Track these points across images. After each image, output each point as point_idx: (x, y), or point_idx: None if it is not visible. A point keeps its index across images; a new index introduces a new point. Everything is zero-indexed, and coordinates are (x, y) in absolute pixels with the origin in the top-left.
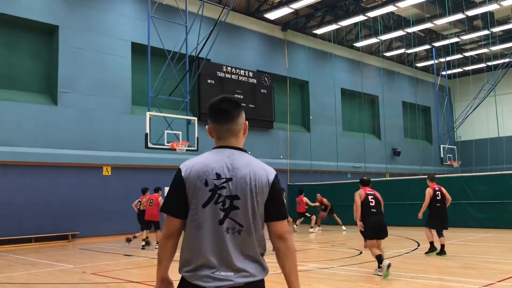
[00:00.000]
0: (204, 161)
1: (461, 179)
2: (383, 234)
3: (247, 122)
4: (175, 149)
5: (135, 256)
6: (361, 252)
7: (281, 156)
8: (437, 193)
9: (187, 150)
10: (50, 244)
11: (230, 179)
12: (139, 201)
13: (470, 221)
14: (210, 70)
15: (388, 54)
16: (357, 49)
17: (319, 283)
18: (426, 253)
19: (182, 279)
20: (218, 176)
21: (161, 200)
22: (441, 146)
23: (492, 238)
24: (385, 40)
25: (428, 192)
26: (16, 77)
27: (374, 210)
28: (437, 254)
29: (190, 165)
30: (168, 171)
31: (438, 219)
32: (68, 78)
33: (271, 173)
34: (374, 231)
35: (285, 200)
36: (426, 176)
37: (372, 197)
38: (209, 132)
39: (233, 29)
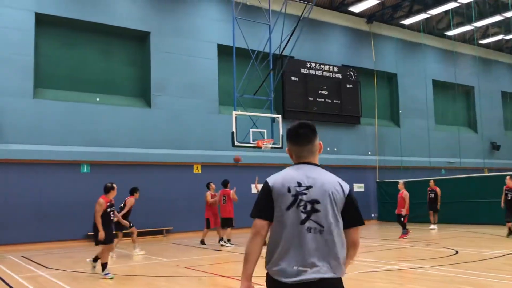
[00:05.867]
0: (287, 173)
1: None
2: None
3: (321, 142)
4: (260, 147)
5: (224, 252)
6: (457, 252)
7: (369, 153)
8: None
9: (272, 147)
10: (147, 238)
11: (310, 186)
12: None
13: None
14: (293, 67)
15: (484, 41)
16: (449, 38)
17: (412, 283)
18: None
19: (267, 274)
20: (299, 184)
21: (233, 193)
22: None
23: None
24: (480, 27)
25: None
26: (113, 83)
27: None
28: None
29: (275, 177)
30: (254, 169)
31: None
32: (160, 82)
33: (346, 185)
34: None
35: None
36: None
37: None
38: (290, 154)
39: (316, 24)
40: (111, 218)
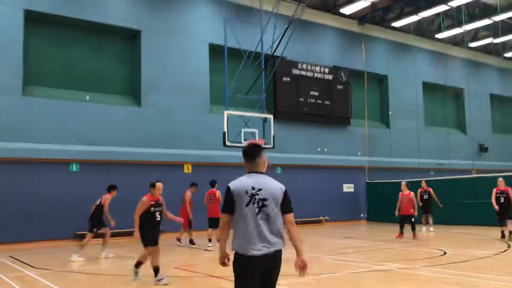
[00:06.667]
0: (244, 180)
1: None
2: None
3: (266, 158)
4: None
5: (214, 252)
6: (445, 253)
7: (359, 153)
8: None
9: (263, 147)
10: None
11: (261, 189)
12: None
13: None
14: (285, 67)
15: (473, 44)
16: (440, 40)
17: (400, 284)
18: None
19: (236, 253)
20: (253, 188)
21: (219, 194)
22: None
23: None
24: (470, 30)
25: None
26: (103, 81)
27: None
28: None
29: (235, 183)
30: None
31: None
32: (150, 80)
33: (283, 187)
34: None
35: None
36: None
37: None
38: (245, 166)
39: (308, 25)
40: (156, 218)
